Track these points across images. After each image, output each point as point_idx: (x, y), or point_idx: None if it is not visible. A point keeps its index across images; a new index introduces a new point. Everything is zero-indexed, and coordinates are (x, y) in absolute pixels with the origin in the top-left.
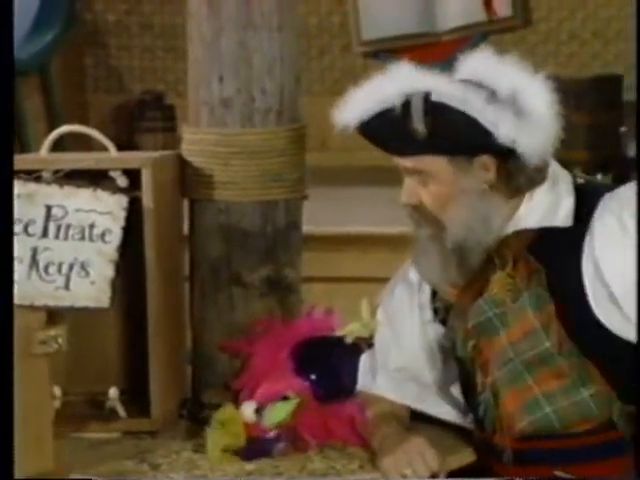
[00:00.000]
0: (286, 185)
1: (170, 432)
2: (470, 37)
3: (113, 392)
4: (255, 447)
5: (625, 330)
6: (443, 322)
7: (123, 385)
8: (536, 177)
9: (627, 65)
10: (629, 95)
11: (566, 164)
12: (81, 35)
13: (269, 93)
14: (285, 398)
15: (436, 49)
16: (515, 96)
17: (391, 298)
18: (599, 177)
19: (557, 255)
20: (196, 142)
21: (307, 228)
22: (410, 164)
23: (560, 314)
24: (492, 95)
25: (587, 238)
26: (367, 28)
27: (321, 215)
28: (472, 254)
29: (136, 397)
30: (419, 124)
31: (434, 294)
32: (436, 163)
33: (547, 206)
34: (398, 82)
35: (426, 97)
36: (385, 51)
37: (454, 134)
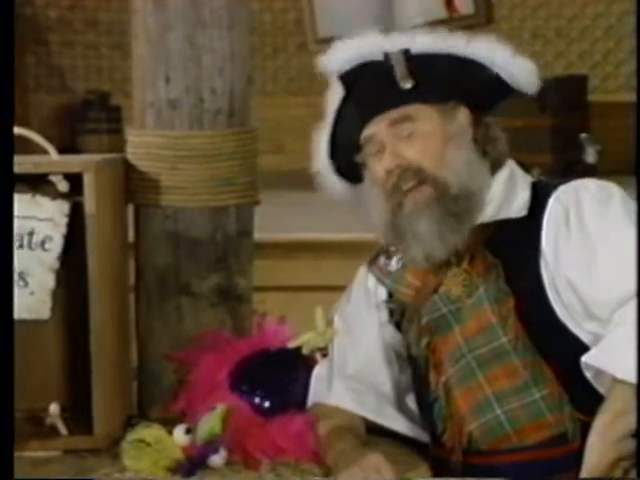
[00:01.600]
0: (237, 190)
1: (114, 450)
2: None
3: (54, 408)
4: (192, 462)
5: (582, 330)
6: (397, 326)
7: (64, 401)
8: (504, 153)
9: (591, 65)
10: (594, 96)
11: (527, 167)
12: (21, 32)
13: (219, 94)
14: (213, 409)
15: None
16: (492, 43)
17: (348, 303)
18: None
19: (514, 249)
20: (142, 145)
21: (259, 235)
22: (397, 114)
23: (518, 310)
24: (471, 39)
25: (542, 228)
26: (323, 26)
27: (274, 221)
28: (471, 206)
29: (78, 414)
30: (402, 77)
31: (390, 296)
32: (423, 111)
33: (502, 199)
34: (380, 39)
35: (406, 52)
36: None
37: (436, 81)
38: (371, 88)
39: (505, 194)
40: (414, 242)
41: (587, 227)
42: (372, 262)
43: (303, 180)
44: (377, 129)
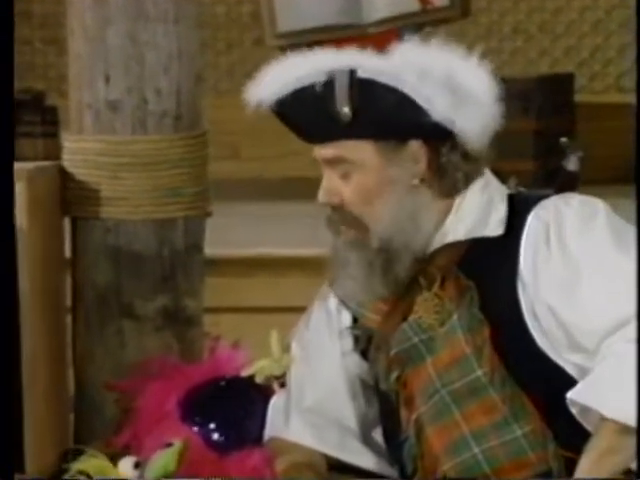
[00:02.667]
0: (185, 201)
1: None
2: (400, 29)
3: None
4: None
5: (566, 361)
6: (364, 354)
7: None
8: (471, 176)
9: (578, 62)
10: (581, 97)
11: (508, 175)
12: None
13: (165, 94)
14: (169, 445)
15: (361, 43)
16: (450, 74)
17: (307, 328)
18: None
19: (489, 270)
20: (79, 151)
21: (211, 250)
22: (331, 152)
23: (494, 339)
24: (425, 72)
25: (520, 248)
26: (283, 18)
27: (227, 235)
28: (400, 260)
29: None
30: (343, 104)
31: (355, 321)
32: (361, 149)
33: (477, 215)
34: (320, 58)
35: (352, 73)
36: (303, 45)
37: (382, 114)
38: (304, 116)
39: (480, 210)
40: (344, 275)
41: (569, 247)
42: (333, 279)
43: (260, 189)
44: (317, 155)
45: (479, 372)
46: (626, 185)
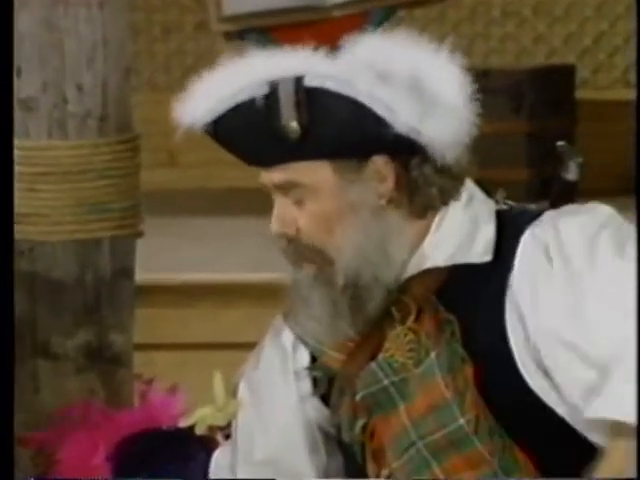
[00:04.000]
0: (112, 218)
1: None
2: (370, 13)
3: None
4: None
5: (560, 404)
6: (324, 399)
7: None
8: (448, 191)
9: (580, 52)
10: (583, 93)
11: (497, 186)
12: None
13: (87, 91)
14: None
15: (324, 28)
16: (415, 75)
17: (256, 367)
18: (533, 207)
19: (473, 302)
20: None
21: (142, 276)
22: (280, 176)
23: (478, 381)
24: (385, 75)
25: (510, 278)
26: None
27: (163, 258)
28: (370, 296)
29: None
30: (290, 119)
31: (313, 360)
32: (315, 172)
33: (460, 237)
34: (259, 65)
35: (298, 82)
36: (255, 30)
37: (336, 128)
38: (246, 136)
39: (462, 231)
40: (305, 315)
41: (573, 266)
42: (290, 313)
43: (201, 202)
44: (264, 181)
45: (462, 420)
46: (629, 196)
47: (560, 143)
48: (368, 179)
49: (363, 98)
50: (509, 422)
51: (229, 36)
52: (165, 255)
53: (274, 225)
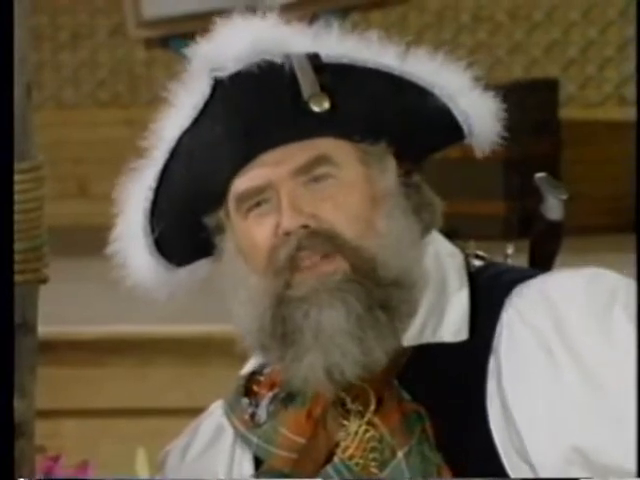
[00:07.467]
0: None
1: None
2: (317, 14)
3: None
4: None
5: None
6: None
7: None
8: (428, 221)
9: (564, 64)
10: (569, 111)
11: (470, 222)
12: None
13: None
14: None
15: None
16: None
17: (184, 461)
18: (510, 251)
19: (447, 388)
20: None
21: (46, 329)
22: (304, 153)
23: None
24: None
25: (491, 360)
26: (150, 0)
27: (72, 308)
28: (407, 298)
29: None
30: (314, 90)
31: (258, 464)
32: (340, 149)
33: (426, 308)
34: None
35: (315, 56)
36: (181, 36)
37: (366, 104)
38: (259, 104)
39: (429, 304)
40: (313, 344)
41: (582, 356)
42: (231, 406)
43: None
44: (270, 176)
45: None
46: (625, 234)
47: (539, 175)
48: (390, 170)
49: (394, 69)
50: None
51: (150, 43)
52: (74, 305)
53: (286, 222)
